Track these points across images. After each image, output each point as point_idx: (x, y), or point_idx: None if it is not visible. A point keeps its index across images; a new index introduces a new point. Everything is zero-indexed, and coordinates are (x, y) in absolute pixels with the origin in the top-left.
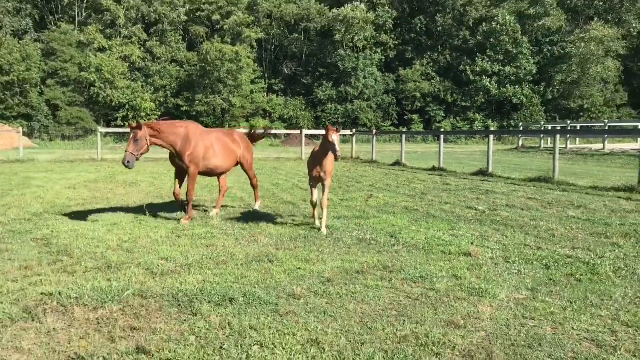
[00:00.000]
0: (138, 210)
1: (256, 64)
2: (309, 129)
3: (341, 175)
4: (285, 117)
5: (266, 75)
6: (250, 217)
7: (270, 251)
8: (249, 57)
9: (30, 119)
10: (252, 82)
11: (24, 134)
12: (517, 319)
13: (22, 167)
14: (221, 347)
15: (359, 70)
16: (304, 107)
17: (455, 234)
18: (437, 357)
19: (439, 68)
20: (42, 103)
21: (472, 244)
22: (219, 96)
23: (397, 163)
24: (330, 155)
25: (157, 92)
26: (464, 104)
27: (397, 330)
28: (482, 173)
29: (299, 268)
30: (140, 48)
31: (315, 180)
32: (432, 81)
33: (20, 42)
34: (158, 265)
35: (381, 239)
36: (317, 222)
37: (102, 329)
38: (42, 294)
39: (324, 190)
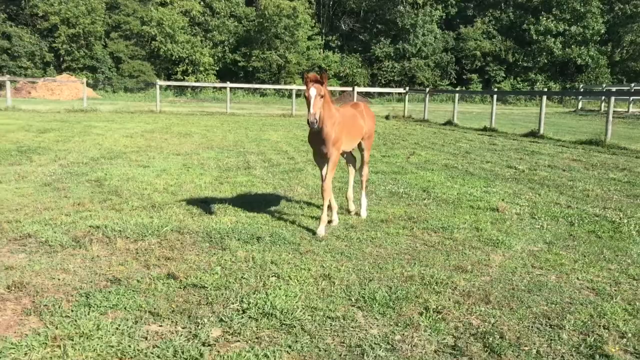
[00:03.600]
0: (187, 158)
1: (313, 20)
2: (364, 86)
3: (388, 134)
4: (341, 74)
5: (323, 32)
6: (292, 169)
7: (303, 199)
8: (307, 13)
9: (95, 71)
10: (309, 38)
11: (89, 85)
12: (525, 267)
13: (85, 116)
14: (242, 277)
15: (417, 27)
16: (360, 64)
17: (488, 190)
18: (436, 295)
19: (500, 26)
20: (106, 55)
21: (503, 200)
22: (275, 52)
23: (449, 122)
24: (332, 120)
25: (215, 47)
26: (525, 64)
27: (405, 270)
28: (533, 134)
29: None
30: (200, 2)
31: (321, 157)
32: (493, 40)
33: None
34: (197, 207)
35: (413, 193)
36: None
37: (139, 258)
38: (90, 226)
39: (326, 172)
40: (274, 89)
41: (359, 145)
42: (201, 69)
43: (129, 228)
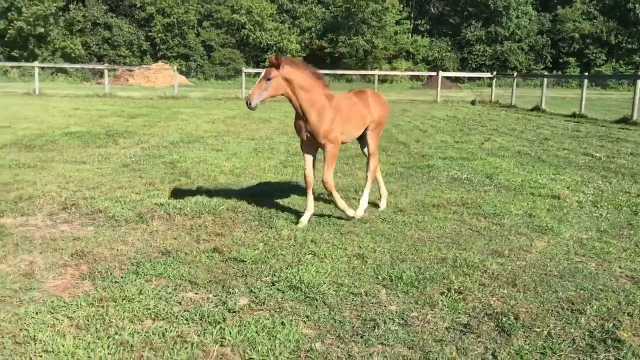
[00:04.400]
0: (259, 143)
1: (402, 4)
2: (453, 70)
3: (468, 119)
4: (430, 58)
5: (412, 16)
6: (358, 154)
7: (360, 183)
8: None
9: (187, 59)
10: (397, 22)
11: (182, 72)
12: (567, 254)
13: (175, 102)
14: (280, 253)
15: (511, 9)
16: (449, 48)
17: (555, 178)
18: (464, 276)
19: (603, 6)
20: (198, 44)
21: (568, 188)
22: (362, 37)
23: (536, 108)
24: (317, 108)
25: (302, 34)
26: (630, 46)
27: (440, 253)
28: (625, 121)
29: (379, 199)
30: None
31: (307, 146)
32: (594, 21)
33: None
34: (254, 188)
35: (476, 179)
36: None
37: (192, 233)
38: (155, 204)
39: (324, 164)
40: (360, 75)
41: (364, 135)
42: (288, 55)
43: (189, 206)
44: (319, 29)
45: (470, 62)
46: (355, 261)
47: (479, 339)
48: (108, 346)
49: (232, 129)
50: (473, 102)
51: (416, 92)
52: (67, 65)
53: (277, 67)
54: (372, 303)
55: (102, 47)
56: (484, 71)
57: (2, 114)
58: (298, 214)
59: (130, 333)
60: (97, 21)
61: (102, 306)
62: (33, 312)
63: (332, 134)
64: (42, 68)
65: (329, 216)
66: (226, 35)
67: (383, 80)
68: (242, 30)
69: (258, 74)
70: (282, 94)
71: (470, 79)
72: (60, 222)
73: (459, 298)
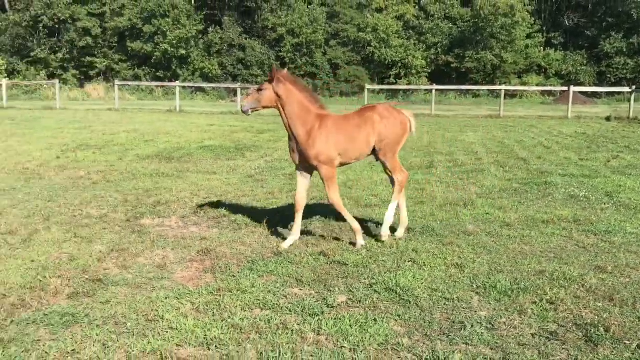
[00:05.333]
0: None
1: (533, 18)
2: (589, 85)
3: (598, 136)
4: (563, 72)
5: (544, 29)
6: (475, 169)
7: (471, 198)
8: (526, 10)
9: (314, 77)
10: (528, 36)
11: None
12: None
13: None
14: (381, 259)
15: None
16: (585, 61)
17: None
18: (559, 289)
19: None
20: (324, 62)
21: None
22: (490, 52)
23: None
24: (314, 128)
25: (428, 50)
26: None
27: (539, 266)
28: None
29: (487, 213)
30: (415, 6)
31: (301, 168)
32: None
33: (309, 6)
34: (365, 199)
35: (594, 197)
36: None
37: (302, 238)
38: (272, 211)
39: (323, 184)
40: (487, 90)
41: (377, 155)
42: (413, 71)
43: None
44: (445, 45)
45: (608, 75)
46: (452, 270)
47: (563, 346)
48: (222, 327)
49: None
50: (608, 119)
51: (546, 107)
52: (205, 85)
53: (272, 81)
54: (463, 308)
55: (237, 67)
56: (624, 85)
57: (147, 129)
58: (398, 227)
59: (241, 318)
60: (233, 43)
61: (220, 295)
62: (163, 297)
63: (323, 156)
64: (183, 87)
65: (432, 228)
66: (352, 53)
67: (512, 95)
68: (368, 47)
69: (382, 90)
70: (274, 107)
71: (608, 94)
72: (191, 224)
73: (550, 308)
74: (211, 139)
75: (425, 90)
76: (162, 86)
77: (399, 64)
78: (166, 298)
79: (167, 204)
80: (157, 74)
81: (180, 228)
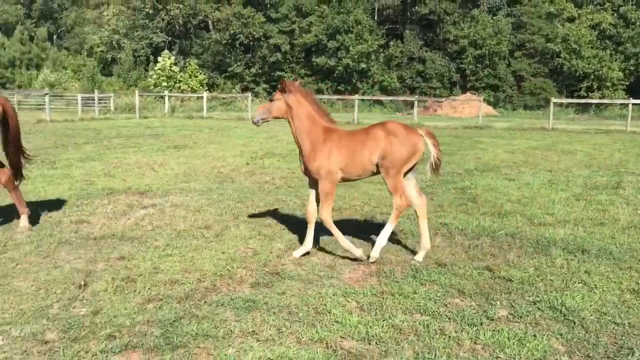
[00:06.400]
0: (556, 175)
1: None
2: None
3: None
4: None
5: None
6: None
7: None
8: None
9: (496, 89)
10: None
11: (489, 103)
12: None
13: (477, 132)
14: (549, 279)
15: None
16: None
17: None
18: None
19: None
20: (508, 74)
21: None
22: None
23: None
24: (319, 141)
25: (627, 61)
26: None
27: None
28: None
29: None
30: (612, 14)
31: (310, 180)
32: None
33: (494, 17)
34: (539, 218)
35: None
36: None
37: (469, 252)
38: (440, 223)
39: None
40: None
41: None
42: (608, 84)
43: (470, 228)
44: None
45: None
46: (627, 295)
47: None
48: (382, 326)
49: (530, 160)
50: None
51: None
52: (382, 98)
53: (283, 91)
54: (635, 335)
55: (415, 79)
56: None
57: None
58: (577, 246)
59: (401, 320)
60: (413, 56)
61: (383, 297)
62: (331, 294)
63: (323, 170)
64: (362, 100)
65: (610, 251)
66: (538, 65)
67: None
68: (556, 58)
69: (570, 104)
70: (284, 117)
71: None
72: (359, 232)
73: None
74: None
75: (621, 104)
76: (342, 99)
77: (592, 76)
78: (334, 295)
79: (339, 210)
80: (339, 87)
81: (347, 235)
